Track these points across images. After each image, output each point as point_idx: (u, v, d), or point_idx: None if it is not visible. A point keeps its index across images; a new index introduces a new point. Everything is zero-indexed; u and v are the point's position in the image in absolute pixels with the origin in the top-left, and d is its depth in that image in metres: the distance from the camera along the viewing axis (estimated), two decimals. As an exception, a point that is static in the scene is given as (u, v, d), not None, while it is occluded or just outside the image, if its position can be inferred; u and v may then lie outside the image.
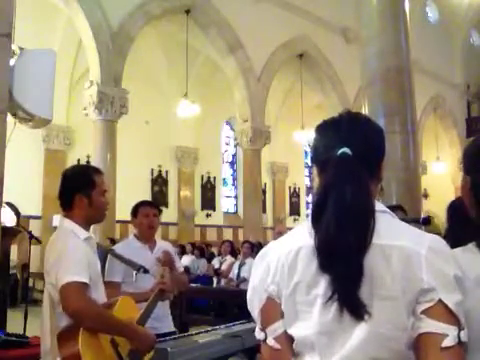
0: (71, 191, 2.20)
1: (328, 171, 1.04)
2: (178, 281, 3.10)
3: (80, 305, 1.97)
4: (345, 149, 1.02)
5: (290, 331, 1.04)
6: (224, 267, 8.57)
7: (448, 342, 0.89)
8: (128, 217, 3.35)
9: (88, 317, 1.99)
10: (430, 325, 0.90)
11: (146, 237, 3.24)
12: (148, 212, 3.24)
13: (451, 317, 0.90)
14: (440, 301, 0.90)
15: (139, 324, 2.33)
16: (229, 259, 8.69)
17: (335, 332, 0.97)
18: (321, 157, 1.09)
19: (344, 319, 0.95)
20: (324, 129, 1.13)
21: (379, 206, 1.03)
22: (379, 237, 0.96)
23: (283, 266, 1.05)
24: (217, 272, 8.73)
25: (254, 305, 1.10)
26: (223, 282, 8.45)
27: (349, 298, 0.94)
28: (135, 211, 3.25)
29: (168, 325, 3.18)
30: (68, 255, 2.05)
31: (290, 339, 1.04)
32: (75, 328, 1.98)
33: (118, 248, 3.16)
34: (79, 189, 2.19)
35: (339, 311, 0.95)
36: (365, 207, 0.97)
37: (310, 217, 1.03)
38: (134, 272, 2.69)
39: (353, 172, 1.00)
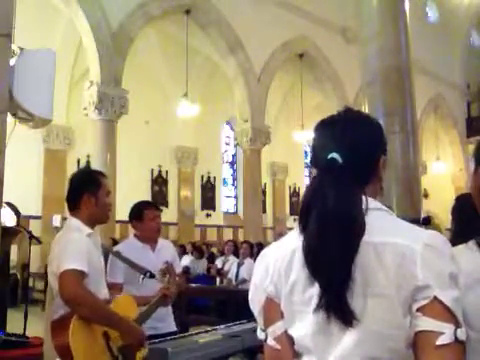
0: (79, 191, 2.35)
1: (316, 176, 1.03)
2: (178, 285, 3.10)
3: (75, 292, 2.04)
4: (334, 154, 1.00)
5: (290, 331, 1.04)
6: (227, 267, 8.57)
7: (443, 340, 0.87)
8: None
9: (82, 304, 2.05)
10: (425, 323, 0.89)
11: (152, 239, 3.22)
12: (155, 215, 3.22)
13: (447, 315, 0.88)
14: (435, 298, 0.89)
15: (136, 322, 2.36)
16: (232, 259, 8.68)
17: (331, 332, 0.96)
18: (315, 159, 1.09)
19: (338, 321, 0.94)
20: (320, 129, 1.12)
21: (374, 204, 1.02)
22: (372, 235, 0.94)
23: (280, 267, 1.05)
24: (220, 272, 8.73)
25: (255, 305, 1.11)
26: (225, 282, 8.46)
27: (336, 307, 0.93)
28: (139, 214, 3.19)
29: (170, 325, 3.19)
30: (69, 245, 2.17)
31: (291, 339, 1.04)
32: (68, 317, 2.02)
33: (119, 249, 3.15)
34: (87, 189, 2.34)
35: (328, 317, 0.94)
36: (349, 212, 0.95)
37: (298, 222, 1.03)
38: (141, 276, 2.72)
39: (338, 179, 0.98)
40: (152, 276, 2.71)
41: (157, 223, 3.22)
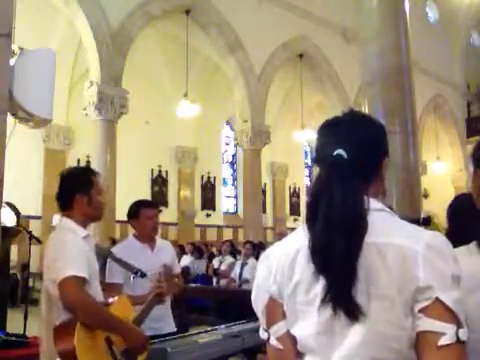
0: (71, 191, 2.28)
1: (321, 174, 1.04)
2: (174, 285, 3.06)
3: (78, 299, 2.01)
4: (340, 151, 1.02)
5: (293, 331, 1.05)
6: (223, 267, 8.57)
7: (445, 340, 0.88)
8: (128, 217, 3.33)
9: (85, 311, 2.03)
10: (427, 324, 0.89)
11: (149, 238, 3.21)
12: (151, 214, 3.20)
13: (449, 315, 0.89)
14: (437, 299, 0.89)
15: (134, 324, 2.35)
16: (229, 259, 8.69)
17: (334, 332, 0.97)
18: (319, 157, 1.10)
19: (342, 319, 0.95)
20: (324, 130, 1.13)
21: (377, 204, 1.03)
22: (375, 235, 0.95)
23: (283, 267, 1.06)
24: (216, 272, 8.72)
25: (258, 305, 1.12)
26: (222, 282, 8.44)
27: (342, 300, 0.93)
28: (136, 212, 3.20)
29: (170, 326, 3.18)
30: (67, 251, 2.11)
31: (293, 339, 1.05)
32: (71, 323, 2.01)
33: (118, 249, 3.14)
34: (79, 189, 2.27)
35: (334, 312, 0.95)
36: (355, 211, 0.96)
37: (304, 219, 1.04)
38: (131, 275, 2.69)
39: (344, 175, 0.99)
40: (143, 275, 2.68)
41: (154, 222, 3.19)
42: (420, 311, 0.90)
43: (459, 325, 0.89)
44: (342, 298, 0.93)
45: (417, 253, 0.92)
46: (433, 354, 0.88)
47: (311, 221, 1.00)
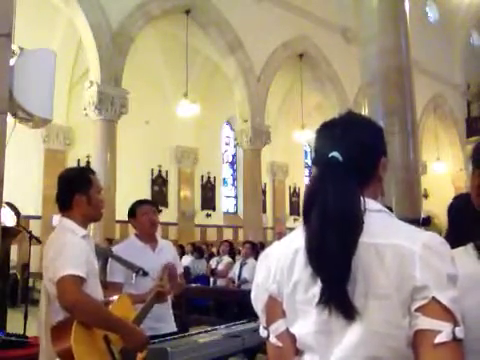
0: (70, 191, 2.28)
1: (316, 174, 1.05)
2: (176, 285, 3.05)
3: (76, 298, 2.00)
4: (334, 153, 1.03)
5: (292, 329, 1.06)
6: (221, 267, 8.56)
7: (441, 338, 0.88)
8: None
9: (83, 310, 2.02)
10: (424, 322, 0.90)
11: (148, 235, 3.20)
12: (147, 209, 3.21)
13: (446, 314, 0.90)
14: (434, 298, 0.90)
15: (134, 323, 2.35)
16: (226, 259, 8.68)
17: (333, 331, 0.98)
18: (316, 158, 1.11)
19: (339, 319, 0.96)
20: (321, 132, 1.14)
21: (375, 205, 1.03)
22: (373, 236, 0.96)
23: (282, 267, 1.07)
24: (213, 272, 8.71)
25: (258, 304, 1.13)
26: (219, 282, 8.43)
27: (338, 300, 0.94)
28: (133, 212, 3.21)
29: (170, 326, 3.16)
30: (66, 250, 2.11)
31: (293, 337, 1.06)
32: (69, 322, 2.00)
33: (119, 249, 3.13)
34: (78, 189, 2.28)
35: (330, 314, 0.96)
36: (349, 212, 0.97)
37: (301, 219, 1.05)
38: (133, 274, 2.69)
39: (338, 177, 1.00)
40: (145, 274, 2.68)
41: (150, 218, 3.18)
42: (417, 310, 0.91)
43: (456, 323, 0.90)
44: (337, 300, 0.94)
45: (414, 253, 0.93)
46: (430, 352, 0.89)
47: (306, 221, 1.01)
